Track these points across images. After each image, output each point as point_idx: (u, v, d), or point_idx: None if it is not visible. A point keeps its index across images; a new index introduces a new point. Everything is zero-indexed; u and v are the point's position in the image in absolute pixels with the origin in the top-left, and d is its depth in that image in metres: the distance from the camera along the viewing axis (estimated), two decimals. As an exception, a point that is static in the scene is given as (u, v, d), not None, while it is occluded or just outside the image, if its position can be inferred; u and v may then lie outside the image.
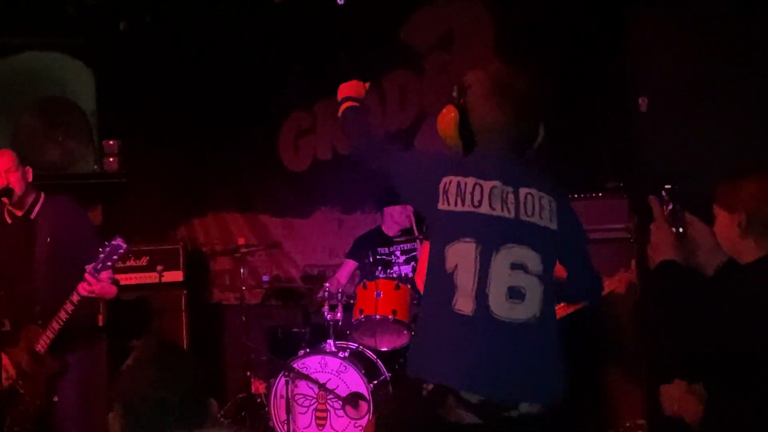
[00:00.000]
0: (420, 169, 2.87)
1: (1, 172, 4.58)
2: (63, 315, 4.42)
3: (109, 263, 4.36)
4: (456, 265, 2.67)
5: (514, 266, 2.67)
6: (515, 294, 2.66)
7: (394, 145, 3.16)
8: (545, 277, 2.71)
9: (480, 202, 2.70)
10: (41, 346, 4.50)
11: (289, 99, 7.04)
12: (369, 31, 6.78)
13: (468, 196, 2.71)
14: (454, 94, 2.85)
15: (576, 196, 5.49)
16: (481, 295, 2.64)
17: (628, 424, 5.20)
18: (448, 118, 2.84)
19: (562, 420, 2.72)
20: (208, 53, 6.97)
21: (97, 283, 4.38)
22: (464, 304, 2.65)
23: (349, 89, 3.24)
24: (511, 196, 2.72)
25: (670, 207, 2.65)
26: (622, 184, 5.66)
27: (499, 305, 2.64)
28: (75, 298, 4.40)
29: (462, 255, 2.68)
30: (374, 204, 6.56)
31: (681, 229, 2.64)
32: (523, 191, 2.74)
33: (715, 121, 4.77)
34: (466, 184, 2.72)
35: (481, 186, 2.71)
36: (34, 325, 4.53)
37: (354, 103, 3.19)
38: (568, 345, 2.80)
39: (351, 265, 6.28)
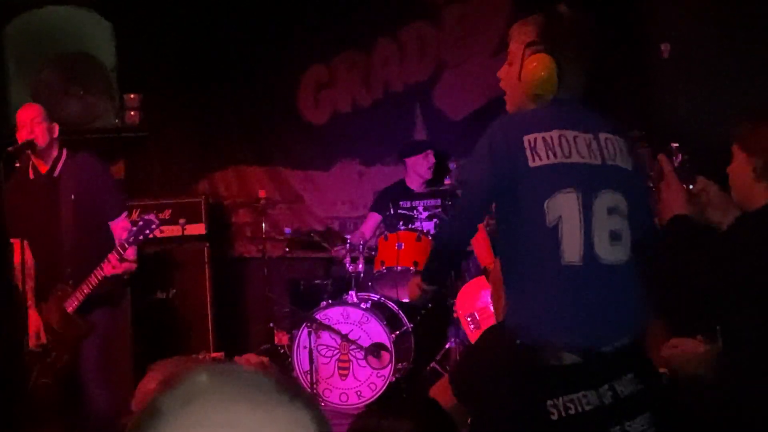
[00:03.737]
0: (498, 152, 2.75)
1: (26, 121, 4.53)
2: (93, 280, 4.42)
3: (141, 237, 4.36)
4: (559, 217, 2.67)
5: (610, 210, 2.70)
6: (615, 237, 2.70)
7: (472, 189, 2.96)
8: (632, 219, 2.75)
9: (570, 152, 2.70)
10: (70, 307, 4.50)
11: (307, 52, 7.00)
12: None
13: (558, 149, 2.70)
14: (535, 46, 2.78)
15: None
16: (587, 242, 2.67)
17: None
18: (545, 63, 2.75)
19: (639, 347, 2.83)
20: (227, 6, 6.93)
21: (120, 265, 4.39)
22: (572, 254, 2.67)
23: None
24: (594, 143, 2.74)
25: (680, 160, 2.65)
26: (644, 133, 5.59)
27: (604, 249, 2.68)
28: (100, 274, 4.40)
29: (564, 206, 2.67)
30: (396, 155, 6.54)
31: (692, 186, 2.65)
32: (602, 136, 2.76)
33: (739, 66, 4.70)
34: (551, 137, 2.71)
35: (565, 137, 2.72)
36: (65, 285, 4.53)
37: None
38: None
39: (375, 218, 6.28)
